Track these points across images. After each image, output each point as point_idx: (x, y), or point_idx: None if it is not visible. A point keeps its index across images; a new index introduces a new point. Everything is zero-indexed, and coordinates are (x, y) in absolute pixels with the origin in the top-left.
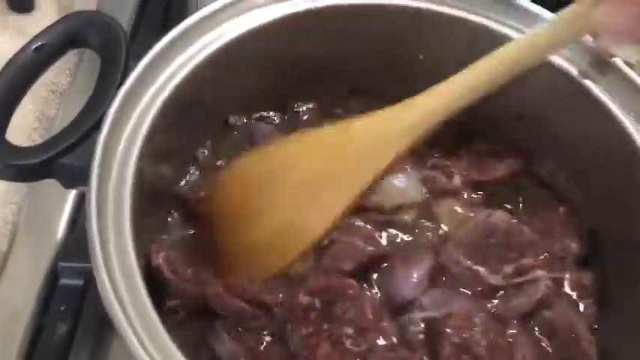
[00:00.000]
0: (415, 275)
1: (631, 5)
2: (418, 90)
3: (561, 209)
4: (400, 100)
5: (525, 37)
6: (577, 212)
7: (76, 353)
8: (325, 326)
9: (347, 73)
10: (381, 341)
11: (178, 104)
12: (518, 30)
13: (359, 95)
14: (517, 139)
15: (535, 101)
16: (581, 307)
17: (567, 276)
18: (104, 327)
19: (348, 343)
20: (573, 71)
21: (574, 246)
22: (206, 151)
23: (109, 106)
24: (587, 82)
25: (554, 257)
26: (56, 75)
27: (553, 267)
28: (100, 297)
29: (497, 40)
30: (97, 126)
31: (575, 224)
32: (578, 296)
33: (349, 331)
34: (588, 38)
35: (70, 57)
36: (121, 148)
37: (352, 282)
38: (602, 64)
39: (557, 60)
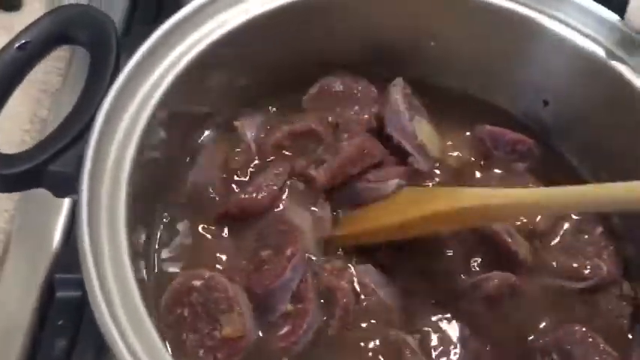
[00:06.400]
0: None
1: None
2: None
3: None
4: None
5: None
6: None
7: None
8: None
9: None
10: None
11: (173, 102)
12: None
13: None
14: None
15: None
16: None
17: None
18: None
19: None
20: (599, 51)
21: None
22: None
23: (98, 107)
24: (614, 63)
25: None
26: (46, 74)
27: None
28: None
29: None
30: (87, 129)
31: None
32: None
33: None
34: (616, 17)
35: (60, 54)
36: (113, 150)
37: None
38: (630, 44)
39: (581, 40)
